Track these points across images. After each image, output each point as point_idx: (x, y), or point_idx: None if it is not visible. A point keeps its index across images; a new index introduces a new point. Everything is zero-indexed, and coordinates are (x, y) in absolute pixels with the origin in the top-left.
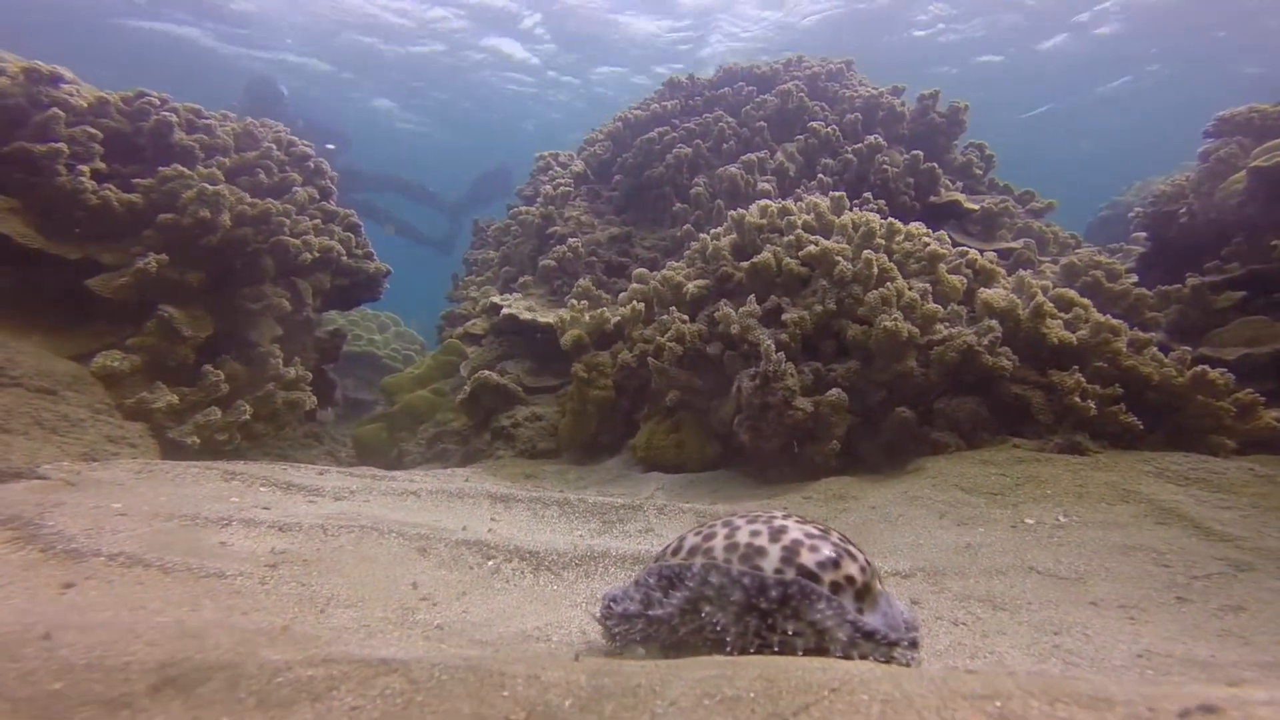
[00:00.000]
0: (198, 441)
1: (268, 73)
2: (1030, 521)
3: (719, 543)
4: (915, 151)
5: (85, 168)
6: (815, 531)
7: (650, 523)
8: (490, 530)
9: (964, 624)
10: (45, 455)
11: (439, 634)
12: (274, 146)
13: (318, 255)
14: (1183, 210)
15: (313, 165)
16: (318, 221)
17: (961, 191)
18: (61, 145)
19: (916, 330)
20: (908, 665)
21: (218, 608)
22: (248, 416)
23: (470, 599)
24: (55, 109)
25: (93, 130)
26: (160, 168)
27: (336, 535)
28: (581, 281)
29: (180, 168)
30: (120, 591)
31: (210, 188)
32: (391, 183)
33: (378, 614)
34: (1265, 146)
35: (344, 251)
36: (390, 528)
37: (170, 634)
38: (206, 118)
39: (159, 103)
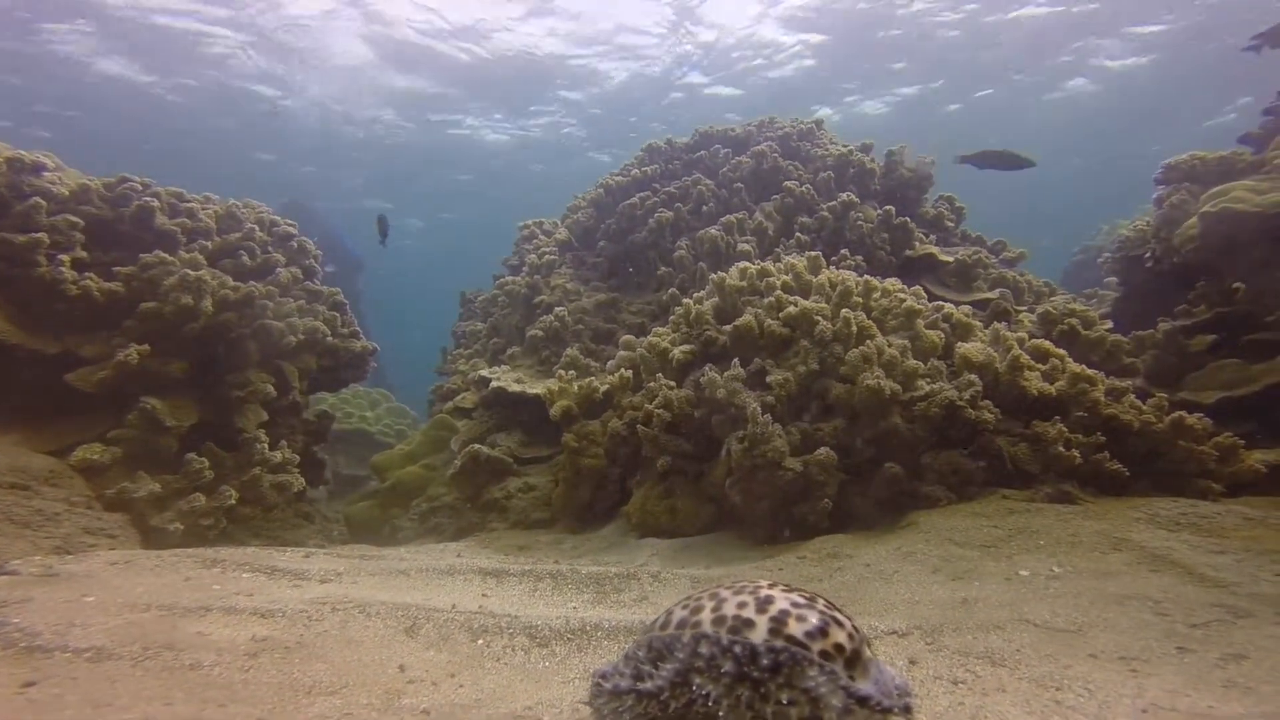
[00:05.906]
0: (181, 528)
1: (300, 198)
2: (1024, 573)
3: (706, 616)
4: (887, 207)
5: (66, 257)
6: (801, 600)
7: (645, 590)
8: (481, 607)
9: (963, 682)
10: (15, 551)
11: (425, 719)
12: (256, 228)
13: (302, 338)
14: (1148, 255)
15: (296, 245)
16: (302, 302)
17: (935, 244)
18: (42, 235)
19: (899, 387)
20: None
21: (191, 701)
22: (233, 501)
23: (459, 680)
24: (37, 198)
25: (74, 218)
26: (142, 254)
27: (321, 620)
28: (569, 351)
29: (162, 254)
30: (86, 688)
31: (192, 273)
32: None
33: (362, 700)
34: (1211, 192)
35: (329, 332)
36: (377, 609)
37: None
38: (189, 200)
39: (141, 188)
